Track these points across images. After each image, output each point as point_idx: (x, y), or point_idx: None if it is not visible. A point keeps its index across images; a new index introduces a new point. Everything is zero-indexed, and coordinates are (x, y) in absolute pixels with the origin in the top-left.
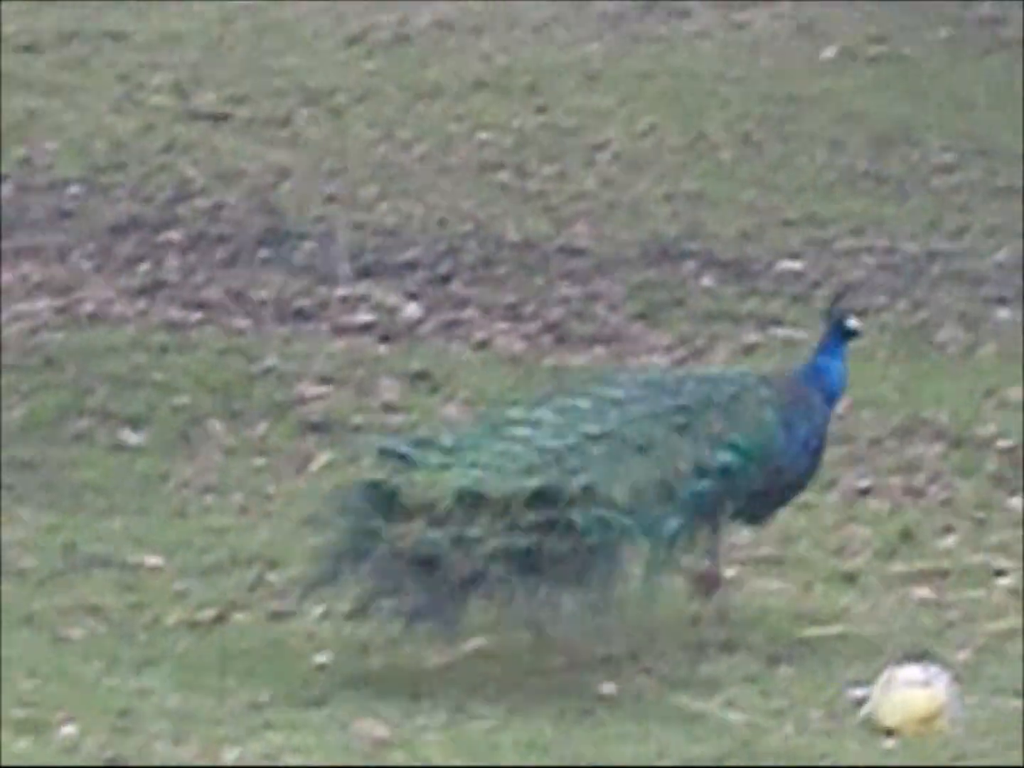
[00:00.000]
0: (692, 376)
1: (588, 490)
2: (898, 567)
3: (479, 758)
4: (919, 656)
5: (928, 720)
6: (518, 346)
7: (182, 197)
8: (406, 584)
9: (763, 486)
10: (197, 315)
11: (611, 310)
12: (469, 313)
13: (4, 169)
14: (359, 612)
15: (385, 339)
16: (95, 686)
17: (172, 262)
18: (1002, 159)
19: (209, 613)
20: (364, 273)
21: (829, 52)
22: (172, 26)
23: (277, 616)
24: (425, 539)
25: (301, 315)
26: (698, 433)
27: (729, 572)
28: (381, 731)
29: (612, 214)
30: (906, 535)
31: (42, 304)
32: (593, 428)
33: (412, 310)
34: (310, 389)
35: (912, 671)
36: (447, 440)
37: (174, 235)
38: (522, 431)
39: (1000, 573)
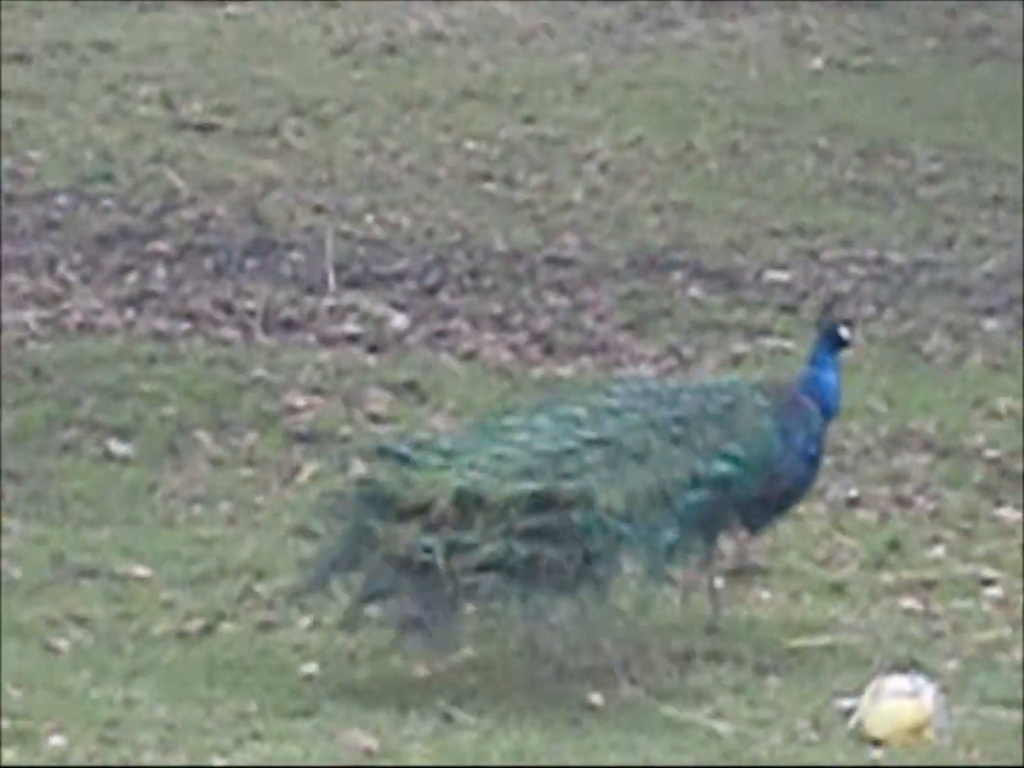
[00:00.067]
0: (688, 385)
1: (586, 494)
2: (886, 577)
3: None
4: (907, 667)
5: (916, 731)
6: (506, 356)
7: (170, 207)
8: (399, 590)
9: (761, 493)
10: (185, 325)
11: (599, 320)
12: (457, 323)
13: None
14: (352, 617)
15: (373, 349)
16: (83, 696)
17: (160, 273)
18: (990, 169)
19: (197, 623)
20: (352, 283)
21: (817, 62)
22: (160, 37)
23: (265, 626)
24: (419, 544)
25: (289, 325)
26: (695, 443)
27: (717, 582)
28: (369, 741)
29: (600, 224)
30: (894, 545)
31: (30, 315)
32: (591, 435)
33: (400, 320)
34: (298, 399)
35: (900, 682)
36: (446, 443)
37: (162, 245)
38: (520, 436)
39: (988, 583)
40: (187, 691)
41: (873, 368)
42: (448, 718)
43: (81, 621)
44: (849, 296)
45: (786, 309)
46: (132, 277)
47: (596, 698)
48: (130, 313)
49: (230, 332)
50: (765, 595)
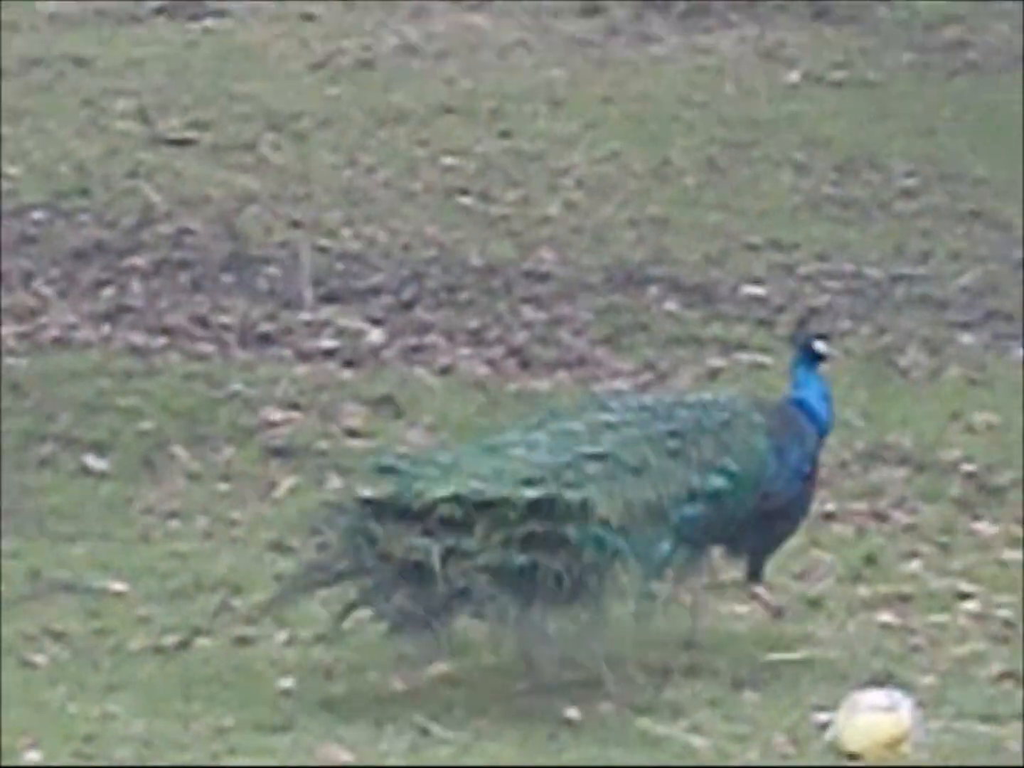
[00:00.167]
0: (685, 401)
1: (584, 505)
2: (863, 592)
3: None
4: (883, 681)
5: (892, 745)
6: (482, 371)
7: (146, 222)
8: (395, 590)
9: (754, 510)
10: (161, 340)
11: (575, 335)
12: (433, 338)
13: None
14: (343, 617)
15: (349, 364)
16: (60, 711)
17: (136, 287)
18: (966, 184)
19: (173, 638)
20: (328, 298)
21: (793, 77)
22: (136, 51)
23: (241, 641)
24: (416, 546)
25: (265, 340)
26: (691, 457)
27: (689, 597)
28: (346, 756)
29: (576, 239)
30: (870, 560)
31: (6, 330)
32: (588, 449)
33: (376, 335)
34: (274, 414)
35: (876, 696)
36: (444, 457)
37: (138, 260)
38: (518, 451)
39: (965, 597)
40: (164, 706)
41: (850, 382)
42: (425, 732)
43: (58, 636)
44: (826, 310)
45: (762, 323)
46: (108, 292)
47: (573, 713)
48: (106, 328)
49: (206, 347)
50: (742, 609)
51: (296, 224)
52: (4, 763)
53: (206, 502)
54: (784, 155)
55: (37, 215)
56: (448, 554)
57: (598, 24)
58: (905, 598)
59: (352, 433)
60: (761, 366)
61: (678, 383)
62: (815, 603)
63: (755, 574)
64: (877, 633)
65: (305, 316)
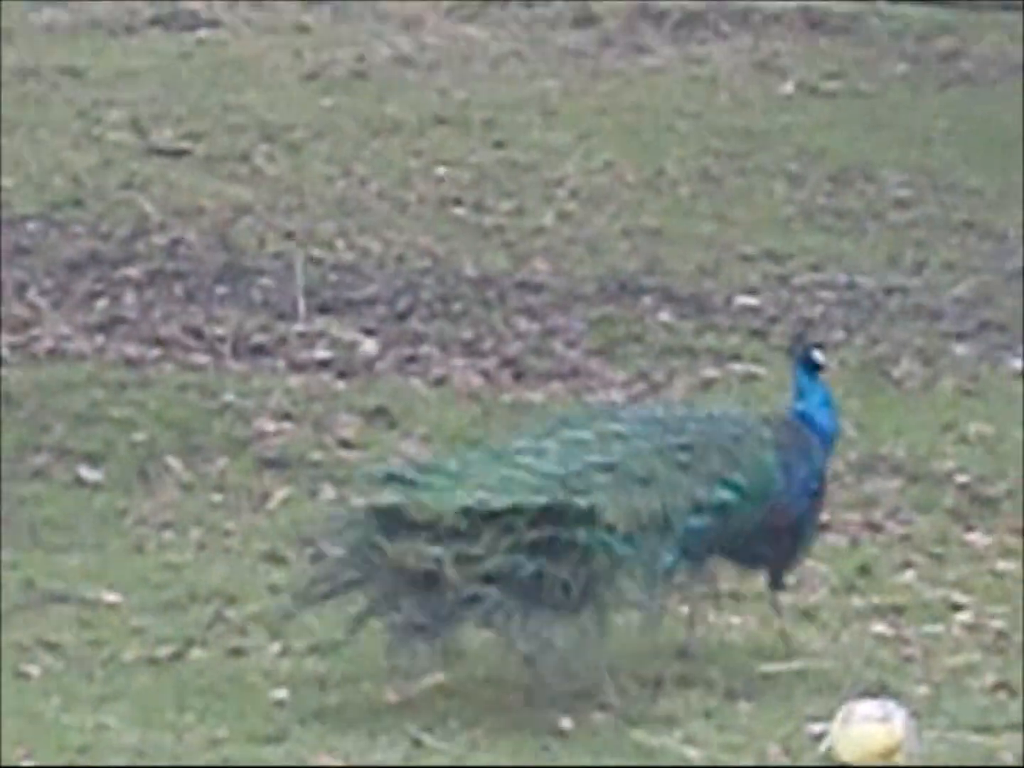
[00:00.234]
0: (695, 414)
1: (594, 510)
2: (856, 602)
3: None
4: (877, 691)
5: (886, 755)
6: (476, 382)
7: (140, 233)
8: (403, 598)
9: (761, 524)
10: (155, 351)
11: (569, 346)
12: (427, 349)
13: None
14: (356, 627)
15: (343, 375)
16: (53, 723)
17: (130, 298)
18: (960, 194)
19: (167, 649)
20: (322, 309)
21: (787, 87)
22: (130, 62)
23: (235, 652)
24: (426, 554)
25: (259, 351)
26: (698, 470)
27: (685, 608)
28: (339, 767)
29: (570, 250)
30: (864, 570)
31: None
32: (597, 458)
33: (370, 346)
34: (268, 425)
35: (870, 706)
36: (452, 465)
37: (132, 271)
38: (527, 459)
39: (958, 608)
40: (157, 717)
41: (843, 393)
42: (418, 743)
43: (51, 647)
44: (819, 321)
45: (756, 334)
46: (102, 303)
47: (566, 723)
48: (100, 339)
49: (200, 358)
50: (736, 620)
51: (290, 235)
52: None
53: (200, 513)
54: (778, 166)
55: (31, 226)
56: (457, 559)
57: (591, 35)
58: (899, 609)
59: (346, 444)
60: (755, 377)
61: (672, 394)
62: (809, 614)
63: (776, 584)
64: (871, 644)
65: (299, 327)
